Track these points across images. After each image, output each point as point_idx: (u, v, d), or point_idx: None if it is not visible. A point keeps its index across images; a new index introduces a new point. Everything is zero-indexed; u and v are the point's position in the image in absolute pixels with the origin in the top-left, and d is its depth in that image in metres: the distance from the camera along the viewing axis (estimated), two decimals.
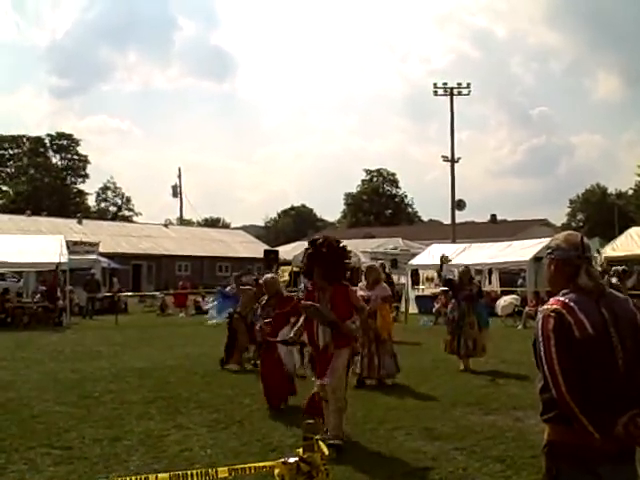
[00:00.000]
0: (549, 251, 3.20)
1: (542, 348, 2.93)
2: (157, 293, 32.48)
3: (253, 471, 2.95)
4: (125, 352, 14.56)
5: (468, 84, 43.52)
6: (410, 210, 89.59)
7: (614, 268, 21.97)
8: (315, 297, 6.87)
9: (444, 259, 13.89)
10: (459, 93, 43.35)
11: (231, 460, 5.93)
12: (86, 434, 7.27)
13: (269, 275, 9.56)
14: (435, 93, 43.55)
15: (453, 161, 42.91)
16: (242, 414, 8.30)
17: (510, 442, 6.86)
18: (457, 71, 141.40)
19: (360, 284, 10.58)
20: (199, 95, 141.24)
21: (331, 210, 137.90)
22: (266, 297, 9.17)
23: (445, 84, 43.32)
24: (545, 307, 3.01)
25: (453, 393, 9.44)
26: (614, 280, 17.23)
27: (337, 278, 6.90)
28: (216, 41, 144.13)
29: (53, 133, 77.23)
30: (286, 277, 33.00)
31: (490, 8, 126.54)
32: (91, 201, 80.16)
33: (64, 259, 22.55)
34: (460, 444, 6.80)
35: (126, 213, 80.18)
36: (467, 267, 12.92)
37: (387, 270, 19.60)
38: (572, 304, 2.94)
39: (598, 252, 20.41)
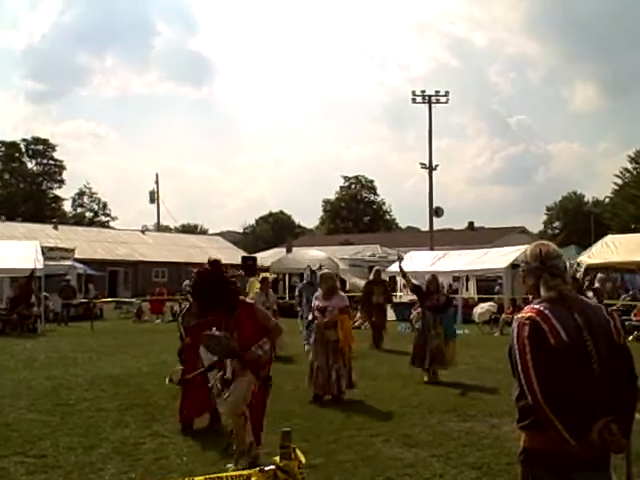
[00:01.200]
0: (521, 264, 3.31)
1: (518, 355, 2.96)
2: (133, 299, 32.24)
3: (230, 479, 2.94)
4: (101, 359, 14.43)
5: (446, 92, 43.81)
6: (388, 217, 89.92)
7: (599, 275, 22.26)
8: (221, 325, 6.21)
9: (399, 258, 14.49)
10: (437, 101, 43.59)
11: (207, 468, 5.88)
12: (61, 442, 7.18)
13: (188, 281, 8.87)
14: (414, 101, 43.79)
15: (431, 168, 43.12)
16: (219, 422, 8.25)
17: (486, 449, 6.89)
18: (436, 79, 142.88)
19: (316, 293, 10.26)
20: (177, 100, 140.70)
21: (309, 217, 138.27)
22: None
23: (423, 92, 43.57)
24: (520, 315, 3.05)
25: (430, 400, 9.47)
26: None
27: (226, 303, 6.21)
28: (195, 46, 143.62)
29: (29, 138, 76.53)
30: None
31: (469, 17, 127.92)
32: (67, 207, 79.58)
33: (39, 265, 22.29)
34: (437, 451, 6.82)
35: (102, 219, 79.67)
36: (434, 276, 12.45)
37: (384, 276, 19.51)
38: (547, 312, 2.98)
39: (578, 264, 20.58)
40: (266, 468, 2.85)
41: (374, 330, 17.01)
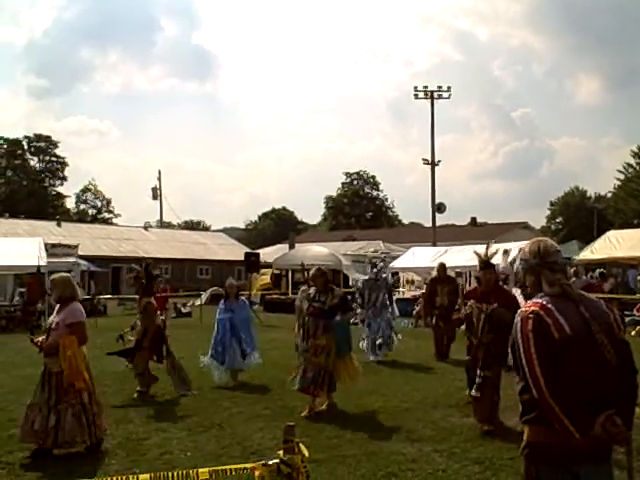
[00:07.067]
0: (519, 261, 3.32)
1: (522, 349, 2.96)
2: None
3: (234, 473, 2.95)
4: (105, 355, 14.41)
5: (449, 87, 43.65)
6: (391, 213, 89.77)
7: (598, 270, 22.20)
8: None
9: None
10: (440, 96, 43.50)
11: (211, 463, 5.89)
12: None
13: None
14: (416, 97, 43.70)
15: (433, 164, 43.01)
16: (222, 417, 8.29)
17: (489, 444, 6.90)
18: (440, 74, 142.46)
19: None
20: (180, 96, 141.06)
21: (312, 213, 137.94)
22: None
23: (426, 87, 43.45)
24: (523, 309, 3.06)
25: (434, 395, 9.48)
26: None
27: None
28: (198, 41, 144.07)
29: (31, 135, 76.45)
30: (267, 280, 32.99)
31: (472, 11, 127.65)
32: (70, 203, 79.57)
33: (43, 262, 22.29)
34: (440, 446, 6.84)
35: (105, 215, 79.69)
36: (320, 269, 8.95)
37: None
38: (550, 305, 2.99)
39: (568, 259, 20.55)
40: (270, 462, 2.87)
41: (437, 337, 13.74)
